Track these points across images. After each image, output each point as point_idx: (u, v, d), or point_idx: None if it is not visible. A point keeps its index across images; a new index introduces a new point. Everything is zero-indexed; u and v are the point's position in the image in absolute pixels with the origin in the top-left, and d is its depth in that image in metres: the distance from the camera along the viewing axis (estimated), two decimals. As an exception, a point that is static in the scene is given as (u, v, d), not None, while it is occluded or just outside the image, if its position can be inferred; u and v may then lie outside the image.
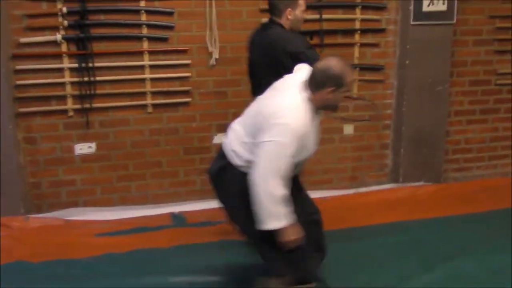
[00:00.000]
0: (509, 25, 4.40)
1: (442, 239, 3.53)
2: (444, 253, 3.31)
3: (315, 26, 4.04)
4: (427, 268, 3.12)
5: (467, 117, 4.57)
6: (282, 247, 2.38)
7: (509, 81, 4.54)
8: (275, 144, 2.21)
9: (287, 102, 2.30)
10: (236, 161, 2.43)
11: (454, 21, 4.16)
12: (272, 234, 2.34)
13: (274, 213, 2.26)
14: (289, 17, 3.07)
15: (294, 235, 2.35)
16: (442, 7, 4.11)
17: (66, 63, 3.71)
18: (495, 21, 4.37)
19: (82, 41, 3.69)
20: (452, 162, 4.62)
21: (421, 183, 4.43)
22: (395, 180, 4.46)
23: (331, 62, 2.31)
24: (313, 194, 2.91)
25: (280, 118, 2.23)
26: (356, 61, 4.18)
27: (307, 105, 2.32)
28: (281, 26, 3.10)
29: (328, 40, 4.06)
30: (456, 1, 4.10)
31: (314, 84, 2.32)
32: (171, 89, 3.91)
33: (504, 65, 4.51)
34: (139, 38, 3.79)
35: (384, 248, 3.40)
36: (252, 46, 3.26)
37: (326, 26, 4.06)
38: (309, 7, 3.99)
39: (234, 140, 2.46)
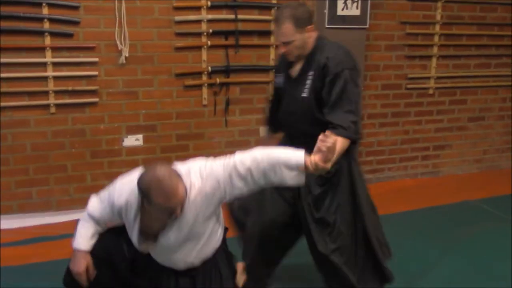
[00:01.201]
0: (418, 31, 4.55)
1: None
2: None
3: (230, 26, 3.96)
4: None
5: (380, 120, 4.68)
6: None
7: (418, 86, 4.69)
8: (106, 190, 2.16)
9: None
10: None
11: (367, 25, 4.24)
12: None
13: (77, 231, 2.20)
14: None
15: (75, 266, 2.14)
16: (355, 11, 4.16)
17: (-42, 59, 3.39)
18: (406, 27, 4.50)
19: (-24, 35, 3.38)
20: (366, 164, 4.72)
21: (335, 185, 4.47)
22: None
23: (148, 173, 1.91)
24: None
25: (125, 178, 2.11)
26: (272, 63, 4.14)
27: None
28: None
29: (243, 41, 3.99)
30: (369, 6, 4.17)
31: None
32: (76, 88, 3.68)
33: (414, 70, 4.66)
34: (40, 33, 3.53)
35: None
36: None
37: (241, 26, 3.98)
38: (224, 7, 3.94)
39: None
